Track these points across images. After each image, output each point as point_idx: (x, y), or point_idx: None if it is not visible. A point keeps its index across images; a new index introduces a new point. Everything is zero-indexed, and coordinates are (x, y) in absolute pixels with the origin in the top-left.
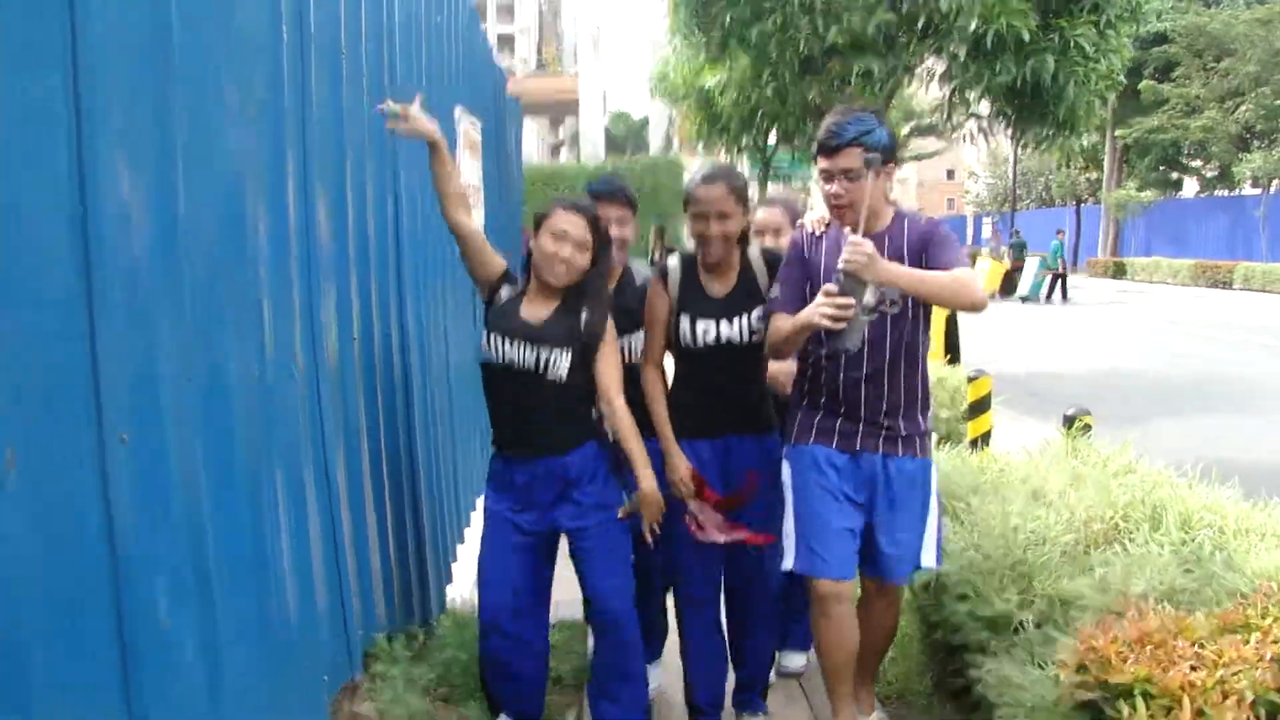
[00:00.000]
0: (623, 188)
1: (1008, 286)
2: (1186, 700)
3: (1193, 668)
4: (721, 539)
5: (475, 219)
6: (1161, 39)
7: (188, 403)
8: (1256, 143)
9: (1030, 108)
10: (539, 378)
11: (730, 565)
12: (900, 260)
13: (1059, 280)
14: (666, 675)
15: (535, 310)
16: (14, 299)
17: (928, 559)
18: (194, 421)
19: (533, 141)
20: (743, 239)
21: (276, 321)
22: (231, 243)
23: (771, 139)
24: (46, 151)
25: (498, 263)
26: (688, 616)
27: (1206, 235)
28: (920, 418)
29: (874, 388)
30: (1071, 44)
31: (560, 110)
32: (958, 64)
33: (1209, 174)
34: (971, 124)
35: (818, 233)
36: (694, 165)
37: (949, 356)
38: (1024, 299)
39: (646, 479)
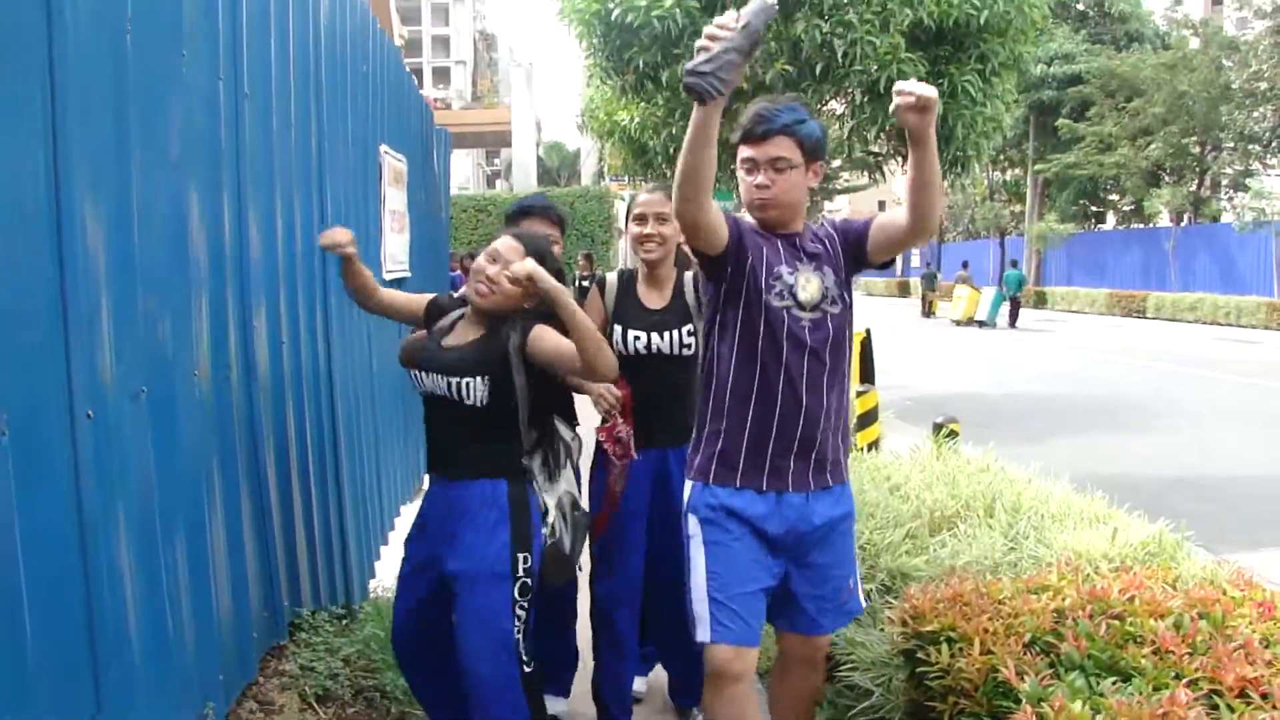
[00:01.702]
0: (552, 204)
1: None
2: (977, 641)
3: (990, 618)
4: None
5: (400, 243)
6: (1077, 79)
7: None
8: (1166, 178)
9: None
10: (459, 403)
11: (651, 574)
12: (827, 262)
13: (1016, 306)
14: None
15: (460, 337)
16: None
17: (858, 604)
18: (143, 417)
19: (471, 171)
20: (681, 262)
21: (213, 331)
22: (175, 265)
23: None
24: (30, 201)
25: (418, 303)
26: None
27: (1122, 266)
28: (843, 440)
29: (813, 404)
30: (959, 89)
31: (497, 141)
32: (855, 106)
33: (1125, 208)
34: (869, 160)
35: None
36: (622, 195)
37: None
38: (981, 324)
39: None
